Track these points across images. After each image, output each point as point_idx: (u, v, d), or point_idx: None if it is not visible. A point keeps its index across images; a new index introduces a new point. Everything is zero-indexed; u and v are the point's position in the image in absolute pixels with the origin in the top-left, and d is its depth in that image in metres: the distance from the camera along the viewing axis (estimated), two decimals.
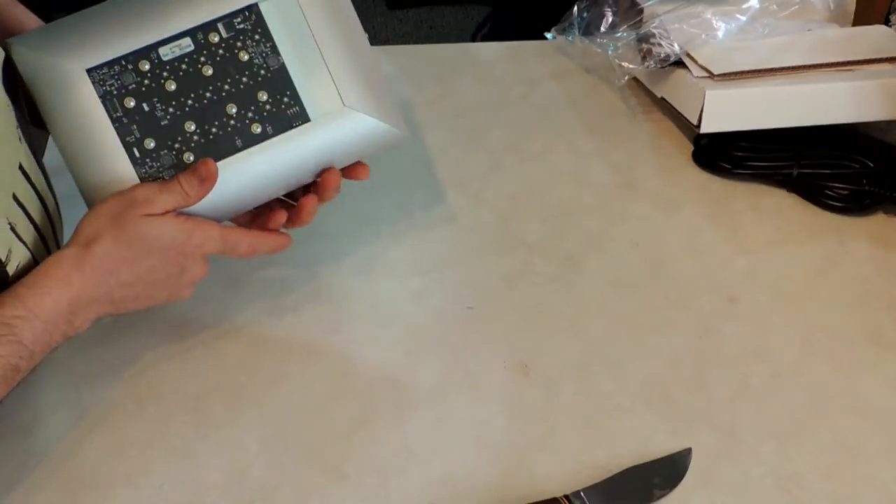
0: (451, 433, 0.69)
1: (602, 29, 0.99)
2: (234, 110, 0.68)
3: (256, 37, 0.69)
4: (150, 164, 0.67)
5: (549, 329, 0.76)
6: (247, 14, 0.69)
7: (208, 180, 0.66)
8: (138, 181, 0.67)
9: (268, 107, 0.69)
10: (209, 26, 0.68)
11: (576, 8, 1.00)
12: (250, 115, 0.69)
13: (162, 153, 0.67)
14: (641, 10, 0.96)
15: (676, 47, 0.92)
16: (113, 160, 0.66)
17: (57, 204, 0.71)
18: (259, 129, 0.69)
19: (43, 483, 0.64)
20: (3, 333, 0.59)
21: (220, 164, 0.67)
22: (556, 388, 0.72)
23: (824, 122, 0.88)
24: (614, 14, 0.99)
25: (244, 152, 0.68)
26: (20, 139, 0.65)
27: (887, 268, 0.82)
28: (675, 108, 0.93)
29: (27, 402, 0.69)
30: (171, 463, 0.66)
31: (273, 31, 0.69)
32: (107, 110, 0.66)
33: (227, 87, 0.69)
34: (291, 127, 0.69)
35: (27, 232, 0.65)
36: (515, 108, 0.99)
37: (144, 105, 0.67)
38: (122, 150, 0.66)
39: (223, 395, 0.71)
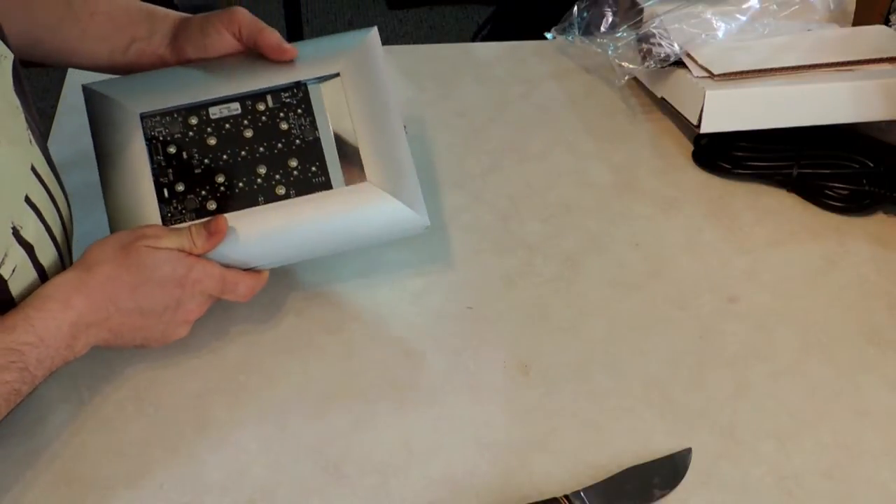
0: (451, 433, 0.69)
1: (602, 29, 0.99)
2: (263, 171, 0.72)
3: (299, 111, 0.74)
4: (175, 205, 0.71)
5: (549, 329, 0.76)
6: (295, 91, 0.75)
7: (216, 235, 0.68)
8: (159, 217, 0.70)
9: (295, 173, 0.72)
10: (259, 95, 0.74)
11: (576, 8, 1.00)
12: (277, 177, 0.72)
13: (188, 197, 0.72)
14: (641, 10, 0.96)
15: (676, 47, 0.92)
16: (143, 196, 0.71)
17: (69, 204, 0.72)
18: (283, 192, 0.72)
19: (43, 483, 0.64)
20: (12, 360, 0.60)
21: (237, 214, 0.70)
22: (555, 388, 0.72)
23: (824, 122, 0.88)
24: (614, 14, 0.99)
25: (262, 207, 0.71)
26: (31, 141, 0.66)
27: (887, 268, 0.82)
28: (675, 108, 0.93)
29: (28, 402, 0.69)
30: (171, 463, 0.66)
31: (315, 108, 0.74)
32: (149, 152, 0.72)
33: (261, 149, 0.73)
34: (312, 192, 0.71)
35: (36, 234, 0.65)
36: (515, 108, 0.99)
37: (184, 154, 0.73)
38: (154, 189, 0.71)
39: (223, 395, 0.71)
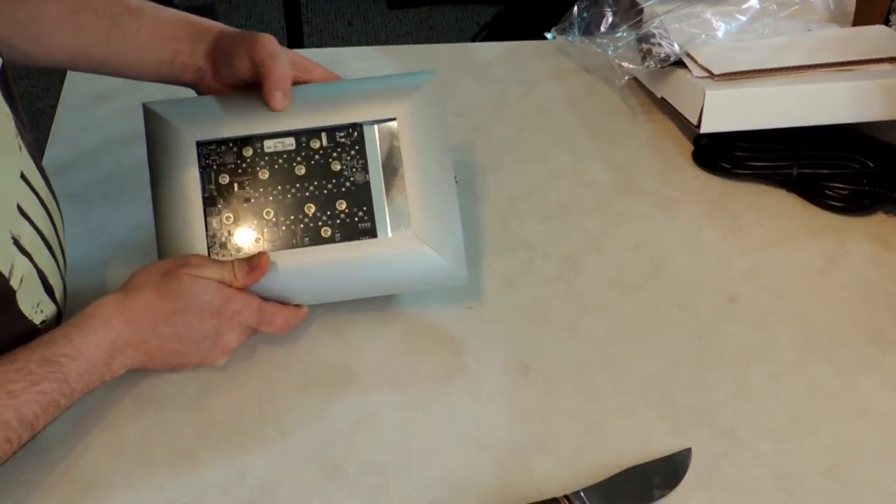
0: (451, 433, 0.69)
1: (602, 29, 0.99)
2: (311, 210, 0.73)
3: (353, 152, 0.74)
4: (221, 234, 0.72)
5: (549, 329, 0.76)
6: (350, 131, 0.75)
7: (256, 271, 0.70)
8: (206, 245, 0.72)
9: (342, 216, 0.73)
10: (314, 132, 0.74)
11: (576, 8, 1.00)
12: (324, 218, 0.73)
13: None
14: (641, 11, 0.96)
15: (676, 47, 0.92)
16: (191, 222, 0.72)
17: (59, 207, 0.72)
18: (328, 234, 0.73)
19: (43, 483, 0.64)
20: (51, 370, 0.61)
21: (280, 253, 0.72)
22: (555, 388, 0.72)
23: (824, 122, 0.88)
24: (614, 14, 0.99)
25: (306, 248, 0.72)
26: (20, 147, 0.66)
27: (887, 268, 0.82)
28: (675, 108, 0.93)
29: None
30: (171, 463, 0.66)
31: (368, 151, 0.74)
32: (202, 180, 0.73)
33: (311, 188, 0.74)
34: (357, 238, 0.73)
35: (32, 242, 0.65)
36: (515, 108, 0.99)
37: (235, 185, 0.73)
38: (203, 216, 0.72)
39: (223, 395, 0.71)
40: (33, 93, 1.73)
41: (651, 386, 0.72)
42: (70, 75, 0.98)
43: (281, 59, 0.73)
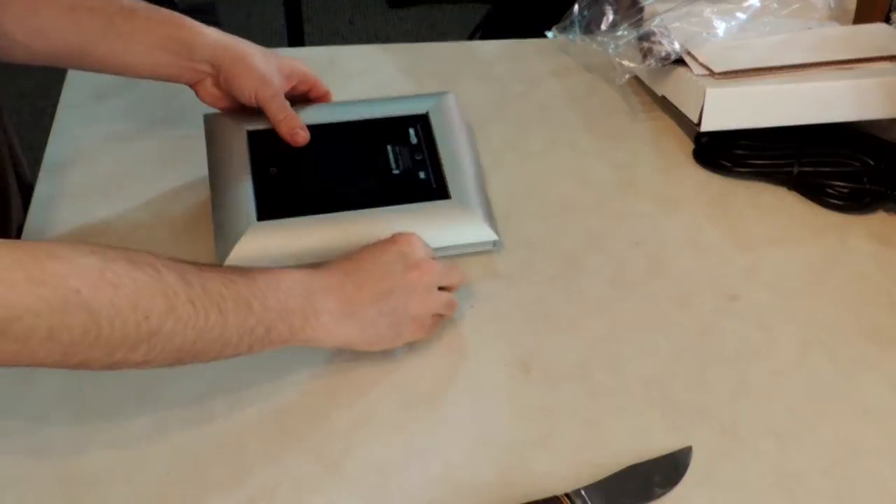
0: (452, 432, 0.69)
1: (603, 27, 0.99)
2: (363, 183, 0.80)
3: (405, 141, 0.83)
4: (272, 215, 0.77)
5: (549, 327, 0.76)
6: (404, 121, 0.85)
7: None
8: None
9: (391, 189, 0.80)
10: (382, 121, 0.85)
11: (576, 6, 1.00)
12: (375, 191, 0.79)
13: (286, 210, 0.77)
14: (642, 9, 0.96)
15: (677, 45, 0.92)
16: (243, 207, 0.76)
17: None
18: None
19: (43, 482, 0.65)
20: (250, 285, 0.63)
21: (334, 215, 0.77)
22: (556, 387, 0.72)
23: (825, 121, 0.88)
24: (615, 12, 0.99)
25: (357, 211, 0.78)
26: None
27: (888, 266, 0.82)
28: (675, 107, 0.93)
29: (28, 399, 0.69)
30: (171, 461, 0.66)
31: (419, 137, 0.84)
32: (252, 165, 0.79)
33: (361, 163, 0.82)
34: (401, 203, 0.78)
35: None
36: (516, 106, 0.99)
37: (283, 170, 0.80)
38: (254, 199, 0.77)
39: (224, 394, 0.71)
40: (33, 92, 1.73)
41: (651, 384, 0.72)
42: (70, 74, 0.98)
43: (281, 98, 0.80)
